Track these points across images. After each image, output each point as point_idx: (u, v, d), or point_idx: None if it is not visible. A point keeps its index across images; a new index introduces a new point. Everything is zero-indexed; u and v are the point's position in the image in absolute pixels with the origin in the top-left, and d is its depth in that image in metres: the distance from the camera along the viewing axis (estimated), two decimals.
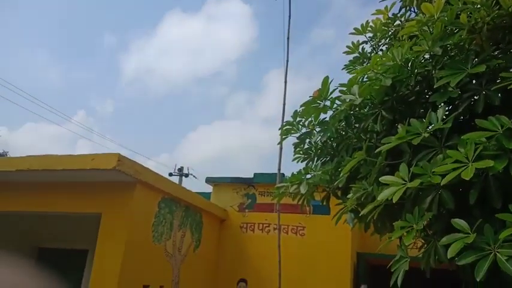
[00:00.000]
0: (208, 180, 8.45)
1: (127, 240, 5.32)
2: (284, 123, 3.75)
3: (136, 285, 5.57)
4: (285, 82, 5.81)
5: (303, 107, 3.11)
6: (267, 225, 7.84)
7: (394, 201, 2.21)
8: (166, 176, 7.25)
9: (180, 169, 23.69)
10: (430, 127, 2.08)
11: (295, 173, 3.52)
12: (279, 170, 5.80)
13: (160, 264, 6.12)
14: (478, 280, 1.58)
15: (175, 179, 21.93)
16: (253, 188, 8.15)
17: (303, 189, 3.23)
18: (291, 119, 3.59)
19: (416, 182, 1.90)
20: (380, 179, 2.14)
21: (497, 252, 1.63)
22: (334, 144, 3.51)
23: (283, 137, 3.88)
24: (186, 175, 23.41)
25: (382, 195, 2.00)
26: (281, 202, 7.79)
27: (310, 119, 3.48)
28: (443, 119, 2.11)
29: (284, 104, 5.57)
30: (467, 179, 1.67)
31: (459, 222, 1.83)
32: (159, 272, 6.07)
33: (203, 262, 7.42)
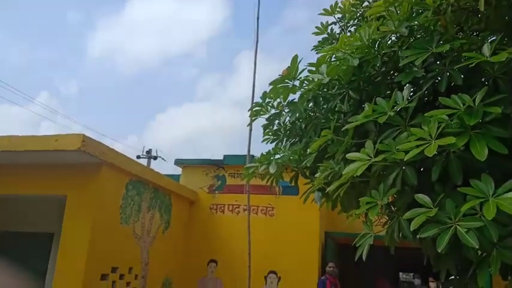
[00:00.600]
0: (178, 162, 8.39)
1: (93, 223, 5.23)
2: (253, 105, 3.74)
3: (105, 267, 5.51)
4: (255, 63, 5.78)
5: (271, 87, 3.10)
6: (237, 206, 7.89)
7: (358, 175, 2.27)
8: (134, 158, 7.14)
9: (148, 151, 23.33)
10: (395, 106, 2.12)
11: (264, 153, 3.54)
12: (249, 151, 5.81)
13: (129, 246, 6.07)
14: (439, 251, 1.64)
15: (143, 162, 21.59)
16: (223, 169, 8.16)
17: (272, 169, 3.25)
18: (261, 100, 3.58)
19: (380, 157, 1.95)
20: (347, 155, 2.18)
21: (457, 225, 1.70)
22: (303, 125, 3.54)
23: (253, 118, 3.88)
24: (155, 157, 23.10)
25: (347, 170, 2.04)
26: (251, 183, 7.85)
27: (279, 100, 3.49)
28: (408, 99, 2.16)
29: (254, 86, 5.55)
30: (430, 155, 1.72)
31: (422, 198, 1.89)
32: (127, 253, 6.02)
33: (173, 244, 7.41)
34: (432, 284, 7.51)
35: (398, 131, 2.19)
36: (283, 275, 7.47)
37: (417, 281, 8.22)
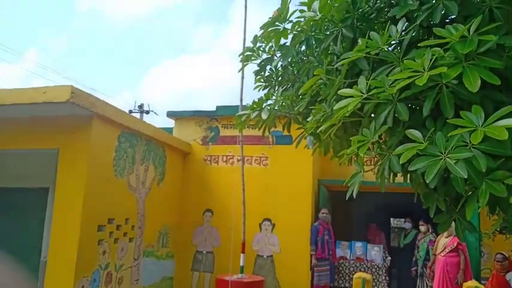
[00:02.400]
0: (170, 114, 8.32)
1: (87, 175, 5.25)
2: (244, 50, 3.64)
3: (101, 219, 5.59)
4: (245, 6, 5.56)
5: (262, 30, 3.00)
6: (231, 157, 7.93)
7: (349, 116, 2.25)
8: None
9: (141, 106, 23.13)
10: (389, 40, 2.07)
11: (256, 100, 3.49)
12: (241, 100, 5.75)
13: (125, 197, 6.13)
14: (428, 182, 1.65)
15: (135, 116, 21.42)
16: (216, 121, 8.12)
17: (264, 115, 3.22)
18: (252, 45, 3.49)
19: (372, 92, 1.92)
20: (339, 91, 2.14)
21: (447, 157, 1.70)
22: (296, 70, 3.48)
23: (244, 64, 3.79)
24: (147, 112, 22.94)
25: (338, 105, 2.02)
26: (244, 134, 7.85)
27: (271, 44, 3.40)
28: (402, 33, 2.10)
29: (245, 30, 5.37)
30: (420, 84, 1.70)
31: (413, 133, 1.88)
32: (123, 205, 6.10)
33: (168, 195, 7.50)
34: (422, 228, 7.73)
35: (392, 67, 2.15)
36: (277, 222, 7.65)
37: (408, 225, 8.45)
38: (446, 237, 7.06)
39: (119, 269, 5.98)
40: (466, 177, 1.61)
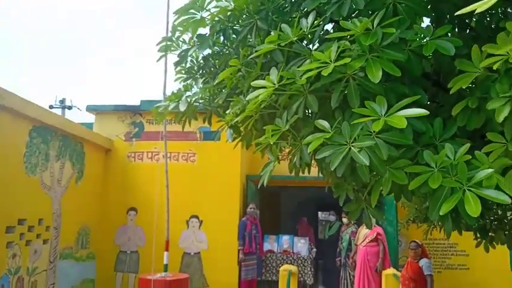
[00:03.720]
0: (90, 109, 7.88)
1: None
2: (161, 39, 3.51)
3: (9, 220, 5.14)
4: None
5: (176, 16, 2.89)
6: (156, 153, 7.69)
7: (265, 107, 2.24)
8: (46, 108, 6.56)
9: (62, 101, 21.73)
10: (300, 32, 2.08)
11: (175, 91, 3.38)
12: (164, 94, 5.54)
13: (38, 197, 5.70)
14: (332, 170, 1.68)
15: (57, 113, 20.07)
16: (140, 116, 7.83)
17: (182, 107, 3.11)
18: (170, 34, 3.37)
19: (283, 82, 1.92)
20: (251, 83, 2.12)
21: (352, 146, 1.73)
22: (215, 62, 3.42)
23: (162, 54, 3.66)
24: (69, 107, 21.60)
25: (250, 96, 2.00)
26: (171, 130, 7.66)
27: (190, 35, 3.31)
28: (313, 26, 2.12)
29: (167, 22, 5.18)
30: (325, 75, 1.72)
31: (321, 123, 1.90)
32: (36, 205, 5.66)
33: (88, 193, 7.10)
34: (345, 219, 8.06)
35: (304, 60, 2.17)
36: (205, 218, 7.56)
37: (332, 218, 8.77)
38: (367, 228, 7.42)
39: (32, 272, 5.55)
40: (368, 164, 1.65)
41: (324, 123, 1.90)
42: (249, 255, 7.32)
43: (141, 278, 5.28)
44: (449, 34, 2.04)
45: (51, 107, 21.75)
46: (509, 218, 4.33)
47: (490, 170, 1.54)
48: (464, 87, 1.96)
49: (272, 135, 2.03)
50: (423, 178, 1.64)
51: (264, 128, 2.20)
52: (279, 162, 2.23)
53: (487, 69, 1.77)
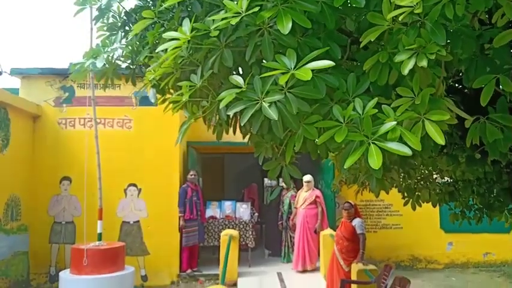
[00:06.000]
0: (15, 72, 7.30)
1: None
2: None
3: None
4: None
5: None
6: (89, 119, 7.30)
7: (181, 62, 2.13)
8: None
9: None
10: None
11: (94, 47, 3.16)
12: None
13: None
14: (242, 125, 1.62)
15: None
16: (71, 80, 7.35)
17: (99, 63, 2.92)
18: None
19: (195, 34, 1.83)
20: (163, 35, 2.00)
21: (263, 101, 1.68)
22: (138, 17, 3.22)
23: (80, 8, 3.39)
24: None
25: (161, 47, 1.90)
26: (104, 95, 7.29)
27: None
28: None
29: None
30: (233, 24, 1.65)
31: (235, 78, 1.83)
32: None
33: (16, 162, 6.68)
34: (284, 184, 8.24)
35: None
36: (144, 186, 7.40)
37: (273, 183, 8.92)
38: (306, 191, 7.61)
39: None
40: (276, 119, 1.61)
41: (238, 79, 1.82)
42: (189, 221, 7.29)
43: (73, 248, 5.11)
44: None
45: None
46: (434, 177, 4.58)
47: (393, 123, 1.55)
48: (378, 43, 1.95)
49: (189, 91, 1.94)
50: (331, 133, 1.63)
51: (180, 84, 2.10)
52: (195, 120, 2.15)
53: (400, 23, 1.76)
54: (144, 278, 7.30)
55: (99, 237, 5.14)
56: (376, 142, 1.53)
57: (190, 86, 2.03)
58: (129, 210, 7.35)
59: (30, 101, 7.09)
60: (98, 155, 5.10)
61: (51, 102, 7.33)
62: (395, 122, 1.56)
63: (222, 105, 1.73)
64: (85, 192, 5.18)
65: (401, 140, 1.58)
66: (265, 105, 1.65)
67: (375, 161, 1.48)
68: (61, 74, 7.31)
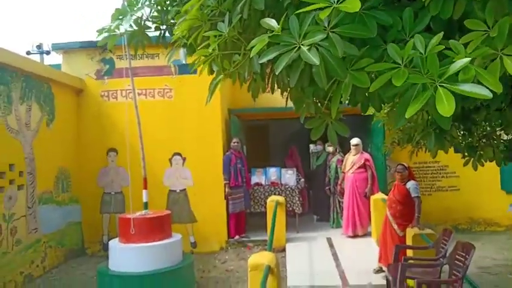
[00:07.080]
0: (56, 48, 7.36)
1: None
2: None
3: None
4: None
5: None
6: (131, 91, 7.27)
7: (201, 4, 1.89)
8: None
9: (39, 46, 20.70)
10: None
11: (120, 8, 2.96)
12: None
13: (5, 141, 5.40)
14: (277, 74, 1.36)
15: (36, 59, 19.06)
16: (110, 52, 7.30)
17: (125, 24, 2.72)
18: None
19: None
20: None
21: (301, 45, 1.41)
22: None
23: None
24: (48, 52, 20.61)
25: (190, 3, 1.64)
26: (143, 65, 7.20)
27: None
28: None
29: None
30: None
31: (267, 21, 1.56)
32: (4, 149, 5.38)
33: (62, 136, 6.81)
34: (330, 148, 7.93)
35: None
36: (188, 155, 7.36)
37: (319, 148, 8.60)
38: (354, 155, 7.27)
39: (9, 219, 5.40)
40: (318, 63, 1.34)
41: (271, 22, 1.55)
42: (235, 188, 7.21)
43: (120, 217, 5.15)
44: None
45: (28, 53, 20.73)
46: (498, 133, 4.11)
47: (467, 60, 1.24)
48: None
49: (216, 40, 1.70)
50: (387, 76, 1.34)
51: (207, 35, 1.85)
52: (225, 77, 1.91)
53: None
54: (193, 244, 7.37)
55: (145, 206, 5.14)
56: (445, 85, 1.23)
57: (218, 36, 1.79)
58: (175, 179, 7.36)
59: (73, 75, 7.14)
60: (139, 125, 5.03)
61: (92, 75, 7.35)
62: (468, 59, 1.25)
63: (252, 53, 1.48)
64: (128, 162, 5.16)
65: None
66: (304, 48, 1.38)
67: (446, 106, 1.18)
68: (100, 46, 7.26)
